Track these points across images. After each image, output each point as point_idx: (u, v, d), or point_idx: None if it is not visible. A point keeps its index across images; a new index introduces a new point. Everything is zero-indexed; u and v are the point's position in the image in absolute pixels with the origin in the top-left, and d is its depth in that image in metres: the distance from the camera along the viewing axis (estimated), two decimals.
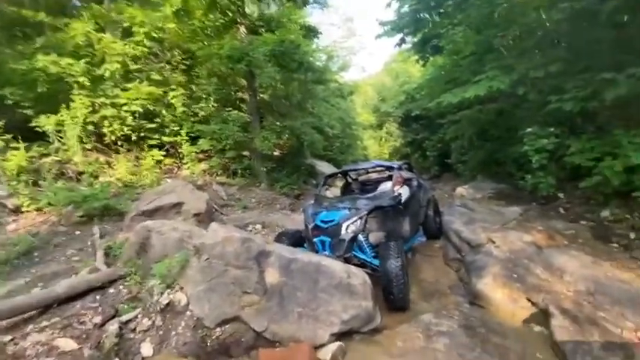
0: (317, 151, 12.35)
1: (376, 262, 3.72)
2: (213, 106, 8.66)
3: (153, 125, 7.57)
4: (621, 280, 2.94)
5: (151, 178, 6.73)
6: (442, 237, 5.37)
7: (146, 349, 2.85)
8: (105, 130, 6.89)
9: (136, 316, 3.05)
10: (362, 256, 3.86)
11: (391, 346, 3.02)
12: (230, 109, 9.22)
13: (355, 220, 3.87)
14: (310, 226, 4.07)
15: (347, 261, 3.73)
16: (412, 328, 3.20)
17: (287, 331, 3.08)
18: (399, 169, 5.12)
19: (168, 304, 3.18)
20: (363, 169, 5.90)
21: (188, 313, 3.18)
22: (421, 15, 7.66)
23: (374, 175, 6.21)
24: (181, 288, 3.32)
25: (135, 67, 7.45)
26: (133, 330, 2.94)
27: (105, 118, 6.83)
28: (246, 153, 8.99)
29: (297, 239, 4.40)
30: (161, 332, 2.99)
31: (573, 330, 2.71)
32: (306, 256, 3.51)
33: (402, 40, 8.40)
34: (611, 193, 4.16)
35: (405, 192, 4.77)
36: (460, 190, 7.48)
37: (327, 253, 3.80)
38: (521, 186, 5.78)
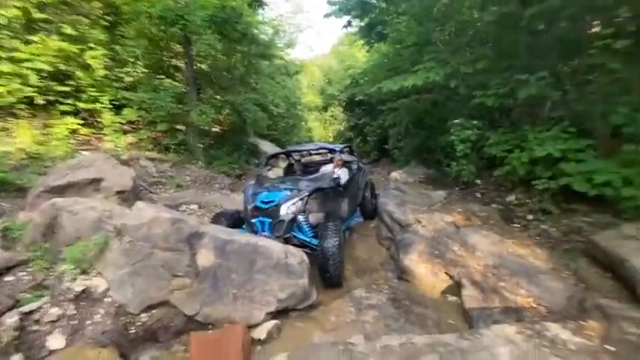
0: (260, 130, 11.98)
1: (315, 241, 3.81)
2: (142, 72, 7.73)
3: (65, 88, 6.49)
4: (519, 255, 3.44)
5: (63, 149, 5.83)
6: (377, 217, 5.70)
7: (55, 341, 2.54)
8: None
9: (42, 306, 2.67)
10: (301, 237, 3.94)
11: (325, 321, 3.16)
12: (163, 76, 8.34)
13: (296, 201, 3.92)
14: (250, 207, 4.02)
15: (286, 241, 3.78)
16: (345, 303, 3.37)
17: (221, 312, 3.01)
18: (341, 152, 5.26)
19: (83, 291, 2.85)
20: (306, 150, 5.97)
21: (108, 299, 2.90)
22: None
23: (317, 157, 6.33)
24: (99, 273, 3.00)
25: (41, 15, 6.23)
26: (38, 321, 2.58)
27: None
28: (181, 127, 8.30)
29: (235, 220, 4.30)
30: (74, 322, 2.68)
31: (480, 298, 3.12)
32: (243, 238, 3.42)
33: (349, 23, 8.41)
34: (517, 181, 4.80)
35: (345, 174, 4.95)
36: (395, 174, 7.95)
37: (266, 233, 3.80)
38: (447, 172, 6.36)
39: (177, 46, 8.39)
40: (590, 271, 3.12)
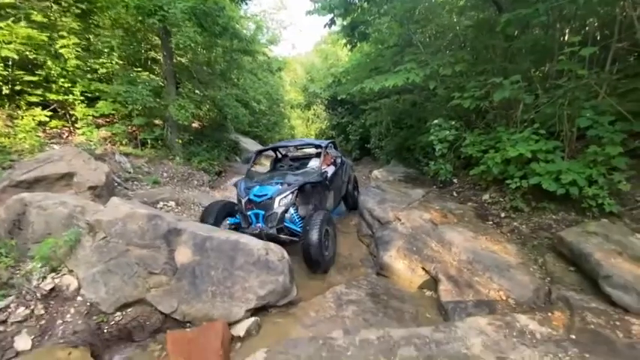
0: (242, 127, 11.83)
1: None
2: (117, 63, 7.41)
3: (34, 78, 6.14)
4: (492, 251, 3.59)
5: (30, 142, 5.53)
6: (358, 215, 5.78)
7: (22, 342, 2.42)
8: None
9: (8, 306, 2.54)
10: (292, 227, 4.20)
11: (305, 316, 3.18)
12: (140, 69, 8.04)
13: (287, 195, 4.17)
14: (244, 200, 4.25)
15: (278, 232, 4.08)
16: (325, 299, 3.41)
17: (200, 310, 2.97)
18: (327, 147, 5.45)
19: (52, 290, 2.73)
20: (293, 145, 6.23)
21: (79, 298, 2.80)
22: None
23: (301, 152, 6.56)
24: (70, 271, 2.89)
25: (7, 0, 5.86)
26: (4, 322, 2.46)
27: None
28: (158, 122, 8.06)
29: (228, 209, 4.50)
30: (43, 322, 2.57)
31: (455, 292, 3.23)
32: (223, 234, 3.39)
33: (332, 21, 8.39)
34: (491, 180, 4.99)
35: (330, 169, 5.21)
36: (375, 172, 8.07)
37: (260, 225, 4.06)
38: (425, 171, 6.52)
39: (156, 38, 8.14)
40: (556, 265, 3.30)
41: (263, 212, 4.07)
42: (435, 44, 7.43)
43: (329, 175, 4.95)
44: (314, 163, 5.44)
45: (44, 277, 2.77)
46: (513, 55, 5.85)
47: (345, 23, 9.19)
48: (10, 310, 2.52)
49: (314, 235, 3.74)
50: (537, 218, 4.11)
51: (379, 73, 7.49)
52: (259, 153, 5.99)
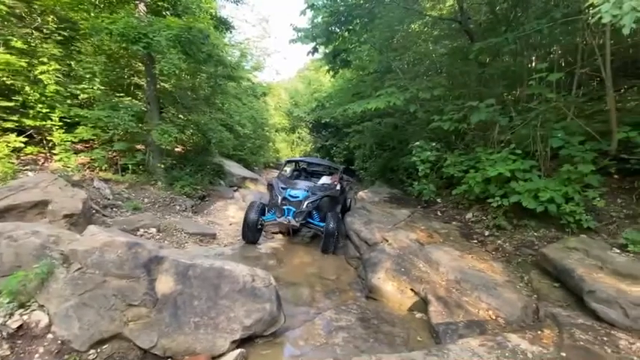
0: (226, 150, 11.75)
1: (321, 225, 5.39)
2: (99, 88, 7.33)
3: (10, 104, 5.98)
4: (479, 269, 3.61)
5: (2, 169, 5.29)
6: (345, 237, 5.74)
7: None
8: None
9: None
10: (313, 222, 5.51)
11: (293, 346, 3.05)
12: (122, 94, 7.98)
13: (313, 200, 5.48)
14: (280, 197, 5.47)
15: (302, 225, 5.41)
16: (314, 326, 3.30)
17: (181, 344, 2.79)
18: (342, 172, 7.03)
19: (19, 328, 2.52)
20: (314, 162, 8.05)
21: (50, 336, 2.58)
22: (332, 28, 8.09)
23: (314, 167, 8.11)
24: (41, 306, 2.68)
25: None
26: None
27: None
28: (140, 147, 7.91)
29: (263, 209, 5.70)
30: None
31: (445, 313, 3.20)
32: (207, 261, 3.26)
33: (315, 49, 8.71)
34: (474, 199, 5.12)
35: (338, 185, 6.56)
36: (361, 193, 8.13)
37: (290, 218, 5.23)
38: (409, 191, 6.64)
39: (139, 64, 8.15)
40: (541, 282, 3.35)
41: (294, 209, 5.27)
42: (413, 70, 7.80)
43: (339, 191, 6.36)
44: (326, 179, 6.88)
45: (11, 314, 2.55)
46: (487, 81, 6.20)
47: (327, 51, 9.55)
48: None
49: (332, 226, 5.14)
50: (520, 236, 4.20)
51: (361, 97, 7.76)
52: (286, 163, 7.91)
